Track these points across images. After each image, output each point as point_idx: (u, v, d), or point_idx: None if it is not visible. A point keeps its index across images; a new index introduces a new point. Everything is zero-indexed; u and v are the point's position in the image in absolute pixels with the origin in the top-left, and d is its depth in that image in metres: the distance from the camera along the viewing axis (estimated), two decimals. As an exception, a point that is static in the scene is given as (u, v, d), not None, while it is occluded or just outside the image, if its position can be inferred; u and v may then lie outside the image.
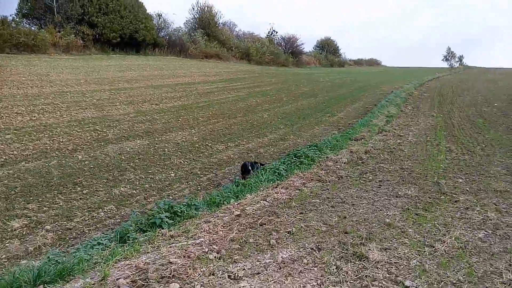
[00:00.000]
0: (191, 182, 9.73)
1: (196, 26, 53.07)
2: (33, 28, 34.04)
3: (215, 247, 4.55)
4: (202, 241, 4.70)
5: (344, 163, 10.07)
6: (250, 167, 9.82)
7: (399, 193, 7.06)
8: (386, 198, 6.81)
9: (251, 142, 14.76)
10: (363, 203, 6.48)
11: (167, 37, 47.01)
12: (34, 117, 14.87)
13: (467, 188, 7.46)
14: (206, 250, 4.47)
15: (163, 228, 5.35)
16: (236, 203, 6.39)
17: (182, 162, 11.47)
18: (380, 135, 16.09)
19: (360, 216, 5.83)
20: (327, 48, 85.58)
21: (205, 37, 49.91)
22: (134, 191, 8.84)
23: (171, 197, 8.57)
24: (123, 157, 11.39)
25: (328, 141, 13.24)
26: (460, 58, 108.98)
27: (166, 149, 12.64)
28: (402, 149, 12.52)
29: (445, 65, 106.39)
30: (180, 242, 4.66)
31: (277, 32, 72.81)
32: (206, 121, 17.77)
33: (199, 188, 9.32)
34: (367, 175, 8.61)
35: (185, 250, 4.37)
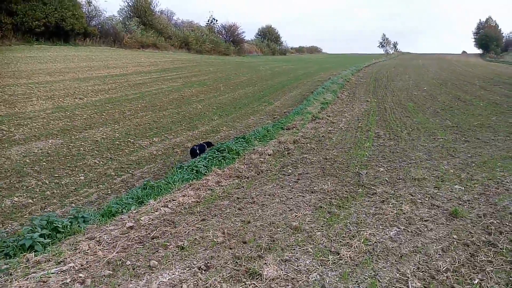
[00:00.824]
0: (101, 186, 8.75)
1: (131, 14, 50.39)
2: None
3: (82, 275, 3.76)
4: (71, 267, 3.89)
5: (269, 155, 9.55)
6: (198, 151, 9.46)
7: (315, 188, 6.60)
8: (301, 194, 6.31)
9: (180, 136, 13.88)
10: (274, 203, 5.93)
11: (100, 26, 44.18)
12: None
13: (387, 178, 7.18)
14: (69, 280, 3.67)
15: (34, 251, 4.45)
16: (135, 211, 5.60)
17: (97, 162, 10.39)
18: (312, 123, 15.83)
19: (267, 219, 5.25)
20: (268, 36, 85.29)
21: (140, 26, 47.54)
22: (31, 200, 7.73)
23: (73, 205, 7.57)
24: (27, 160, 10.10)
25: (257, 132, 12.69)
26: (395, 45, 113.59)
27: (81, 148, 11.46)
28: (331, 137, 12.26)
29: (381, 51, 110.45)
30: (43, 270, 3.82)
31: (217, 21, 71.27)
32: (133, 114, 16.59)
33: (109, 192, 8.37)
34: (287, 168, 8.14)
35: (44, 283, 3.55)
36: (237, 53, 66.24)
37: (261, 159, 8.98)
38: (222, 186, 6.92)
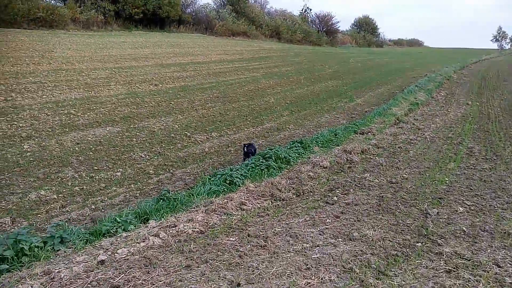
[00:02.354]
0: (134, 185, 7.96)
1: (225, 2, 50.64)
2: (53, 2, 33.12)
3: None
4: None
5: (324, 168, 7.93)
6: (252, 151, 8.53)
7: (357, 233, 4.79)
8: (333, 241, 4.54)
9: (241, 132, 12.78)
10: (291, 252, 4.25)
11: (194, 14, 45.04)
12: (10, 97, 13.56)
13: (465, 227, 5.00)
14: None
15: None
16: (124, 235, 4.54)
17: (143, 156, 9.70)
18: (394, 127, 13.63)
19: (266, 283, 3.67)
20: (365, 27, 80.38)
21: (232, 14, 47.49)
22: (55, 196, 7.18)
23: (93, 206, 6.84)
24: (76, 148, 9.78)
25: (321, 135, 11.03)
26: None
27: (134, 139, 10.93)
28: (410, 149, 10.12)
29: (495, 46, 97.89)
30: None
31: (311, 10, 68.99)
32: (202, 105, 15.90)
33: (137, 194, 7.53)
34: (335, 192, 6.48)
35: None
36: (330, 43, 63.42)
37: (311, 174, 7.41)
38: (244, 210, 5.57)
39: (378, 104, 19.10)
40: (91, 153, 9.59)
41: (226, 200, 5.65)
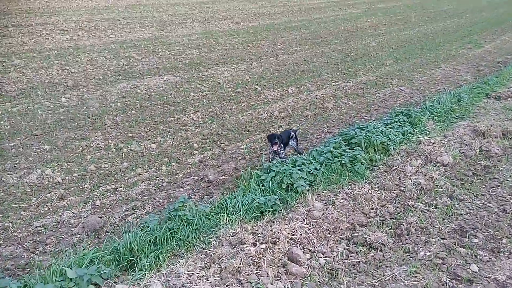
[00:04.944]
0: (165, 168, 5.77)
1: None
2: None
3: None
4: None
5: (445, 165, 4.84)
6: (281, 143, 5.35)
7: None
8: None
9: (326, 87, 9.79)
10: None
11: None
12: (77, 36, 12.15)
13: None
14: None
15: None
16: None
17: (194, 120, 7.45)
18: (547, 90, 9.38)
19: None
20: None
21: None
22: (60, 179, 5.31)
23: (98, 203, 4.83)
24: (119, 104, 7.89)
25: (437, 101, 7.59)
26: None
27: (192, 93, 8.71)
28: None
29: None
30: None
31: None
32: (285, 48, 12.98)
33: (164, 183, 5.34)
34: (468, 234, 3.48)
35: None
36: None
37: (422, 180, 4.41)
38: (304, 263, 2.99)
39: (516, 53, 14.17)
40: (133, 111, 7.61)
41: (267, 241, 3.12)
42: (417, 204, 3.96)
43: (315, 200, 3.94)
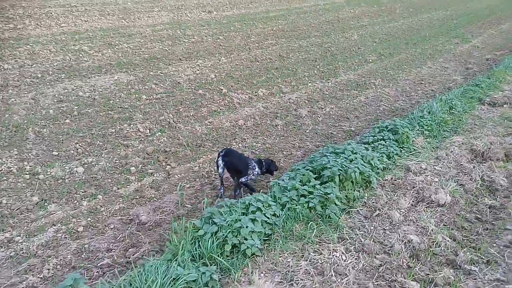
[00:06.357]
0: (90, 201, 4.47)
1: None
2: None
3: None
4: None
5: (441, 206, 3.71)
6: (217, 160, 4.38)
7: None
8: None
9: (301, 88, 8.57)
10: None
11: None
12: (22, 24, 10.55)
13: None
14: None
15: None
16: None
17: (142, 130, 6.13)
18: (544, 93, 8.40)
19: None
20: None
21: None
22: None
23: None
24: (51, 112, 6.49)
25: (427, 110, 6.44)
26: None
27: (144, 96, 7.36)
28: None
29: None
30: None
31: None
32: (259, 42, 11.65)
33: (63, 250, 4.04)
34: None
35: None
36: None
37: (415, 233, 3.24)
38: None
39: (505, 48, 13.19)
40: (68, 120, 6.23)
41: None
42: (408, 283, 2.77)
43: (268, 270, 2.74)
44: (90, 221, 4.11)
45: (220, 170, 4.36)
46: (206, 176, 5.11)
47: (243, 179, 4.47)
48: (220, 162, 4.33)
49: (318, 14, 16.00)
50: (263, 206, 3.55)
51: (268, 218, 3.47)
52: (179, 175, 5.08)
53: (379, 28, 14.67)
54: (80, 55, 9.03)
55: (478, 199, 4.09)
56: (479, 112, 7.07)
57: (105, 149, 5.51)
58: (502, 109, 7.22)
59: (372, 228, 3.43)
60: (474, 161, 4.98)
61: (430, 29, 15.40)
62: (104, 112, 6.61)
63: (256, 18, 14.31)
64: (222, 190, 4.51)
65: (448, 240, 3.28)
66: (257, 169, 4.51)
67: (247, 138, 6.21)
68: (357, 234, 3.31)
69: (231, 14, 14.58)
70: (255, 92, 8.05)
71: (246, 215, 3.41)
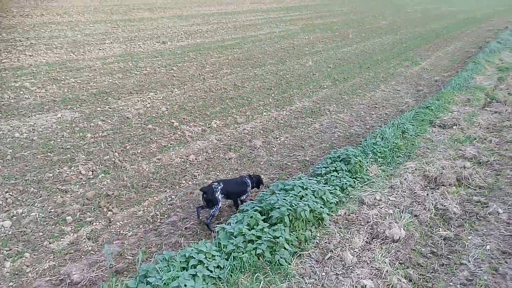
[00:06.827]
0: (15, 261, 3.96)
1: None
2: None
3: None
4: None
5: (395, 241, 3.55)
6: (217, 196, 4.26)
7: None
8: None
9: (257, 118, 8.40)
10: None
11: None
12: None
13: None
14: None
15: None
16: None
17: (84, 172, 5.66)
18: (487, 111, 8.71)
19: None
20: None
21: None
22: None
23: None
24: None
25: (380, 136, 6.39)
26: None
27: (89, 134, 6.90)
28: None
29: None
30: None
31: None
32: (214, 71, 11.48)
33: None
34: None
35: None
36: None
37: (369, 278, 3.02)
38: None
39: (452, 69, 13.75)
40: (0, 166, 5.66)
41: None
42: None
43: None
44: (12, 286, 3.59)
45: (220, 205, 4.39)
46: (151, 221, 4.71)
47: (243, 197, 4.76)
48: (218, 195, 4.32)
49: (274, 42, 16.18)
50: (206, 257, 3.21)
51: (211, 271, 3.13)
52: (121, 222, 4.66)
53: (333, 53, 14.97)
54: (21, 92, 8.49)
55: (433, 230, 3.96)
56: (431, 134, 7.13)
57: (40, 197, 5.00)
58: (451, 130, 7.33)
59: (323, 274, 3.17)
60: (428, 187, 4.90)
61: (382, 53, 15.89)
62: (42, 155, 6.10)
63: (211, 48, 14.23)
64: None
65: (403, 282, 3.06)
66: (250, 184, 4.72)
67: (198, 175, 5.89)
68: (307, 284, 3.03)
69: (186, 44, 14.44)
70: (209, 124, 7.79)
71: (186, 270, 3.05)
